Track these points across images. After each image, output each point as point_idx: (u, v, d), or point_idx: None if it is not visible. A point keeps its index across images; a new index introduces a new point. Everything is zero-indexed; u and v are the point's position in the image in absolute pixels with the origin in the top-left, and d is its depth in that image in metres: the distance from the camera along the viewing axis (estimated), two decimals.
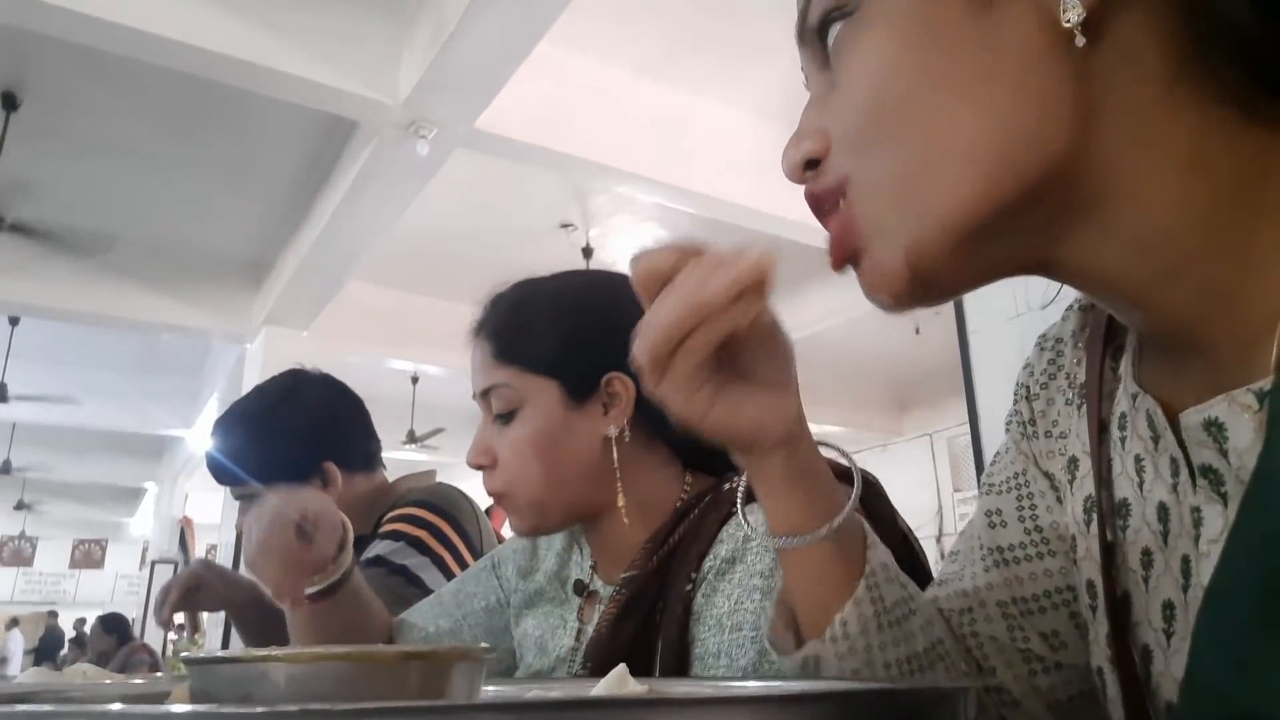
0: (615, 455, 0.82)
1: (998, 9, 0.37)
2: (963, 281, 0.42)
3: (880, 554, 0.52)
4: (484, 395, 0.86)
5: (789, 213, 4.26)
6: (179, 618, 1.29)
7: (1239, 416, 0.37)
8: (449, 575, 1.27)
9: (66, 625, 13.68)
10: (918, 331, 6.67)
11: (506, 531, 1.55)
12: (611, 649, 0.77)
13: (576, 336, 0.85)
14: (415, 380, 7.44)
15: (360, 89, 3.30)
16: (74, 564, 17.18)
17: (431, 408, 7.85)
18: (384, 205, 4.11)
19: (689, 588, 0.76)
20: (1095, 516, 0.48)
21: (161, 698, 0.52)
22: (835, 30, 0.43)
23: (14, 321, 6.33)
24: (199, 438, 7.98)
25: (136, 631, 8.02)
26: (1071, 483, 0.51)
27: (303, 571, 0.83)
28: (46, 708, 0.27)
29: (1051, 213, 0.38)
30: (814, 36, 0.44)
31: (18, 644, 13.40)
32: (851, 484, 0.53)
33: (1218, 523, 0.39)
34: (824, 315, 6.30)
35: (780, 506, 0.51)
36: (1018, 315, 1.79)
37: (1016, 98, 0.37)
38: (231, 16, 3.08)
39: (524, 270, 0.93)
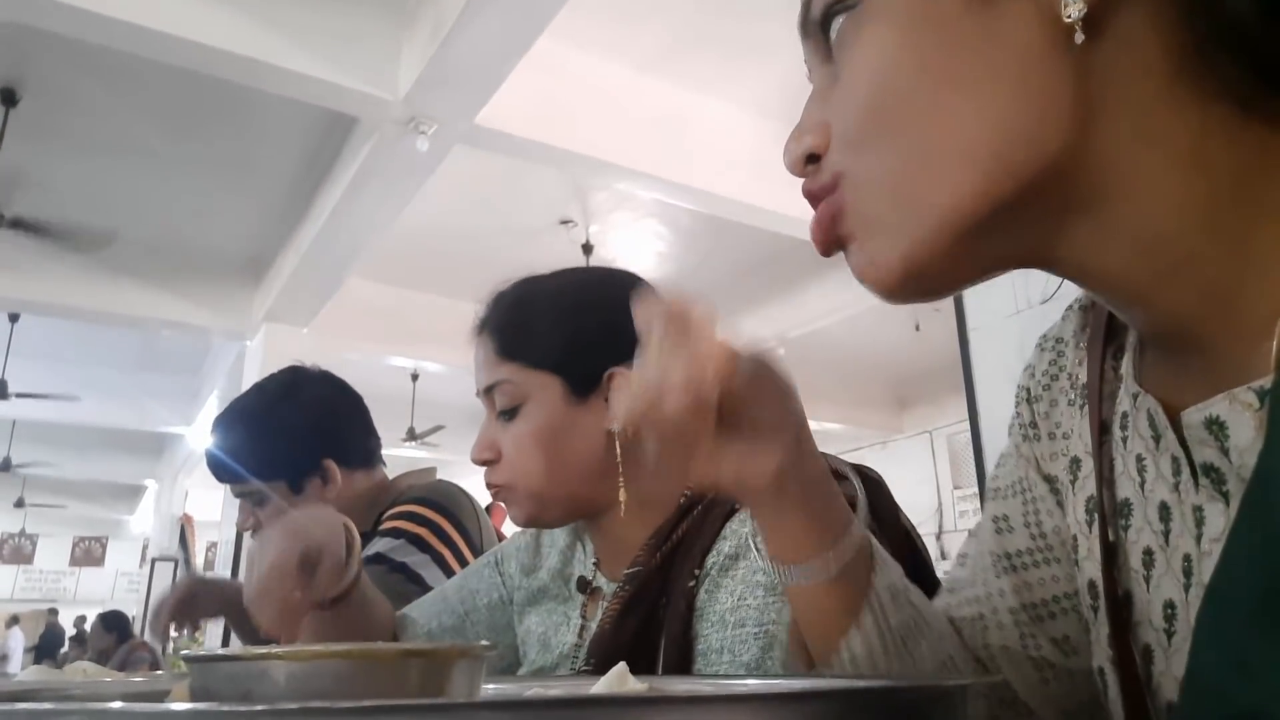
0: (618, 450, 0.82)
1: (998, 4, 0.37)
2: (961, 278, 0.42)
3: (887, 576, 0.51)
4: (487, 392, 0.87)
5: (789, 209, 4.26)
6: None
7: (1240, 415, 0.37)
8: (449, 572, 1.27)
9: (67, 623, 13.70)
10: (918, 328, 6.67)
11: (507, 529, 1.55)
12: (614, 645, 0.77)
13: (578, 332, 0.85)
14: (415, 377, 7.44)
15: (360, 85, 3.30)
16: (74, 561, 17.19)
17: (432, 405, 7.85)
18: (384, 202, 4.11)
19: (692, 584, 0.76)
20: (1097, 517, 0.48)
21: (162, 696, 0.52)
22: (838, 23, 0.42)
23: (14, 318, 6.33)
24: (199, 435, 7.98)
25: (137, 629, 8.02)
26: (1074, 483, 0.51)
27: (299, 614, 0.83)
28: (47, 706, 0.27)
29: (1051, 210, 0.38)
30: (817, 29, 0.44)
31: (18, 642, 13.42)
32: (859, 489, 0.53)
33: (1219, 521, 0.39)
34: (824, 312, 6.30)
35: (775, 538, 0.50)
36: (1018, 312, 1.79)
37: (1016, 94, 0.37)
38: (231, 12, 3.07)
39: (524, 267, 0.93)
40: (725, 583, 0.75)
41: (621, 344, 0.85)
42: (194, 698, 0.41)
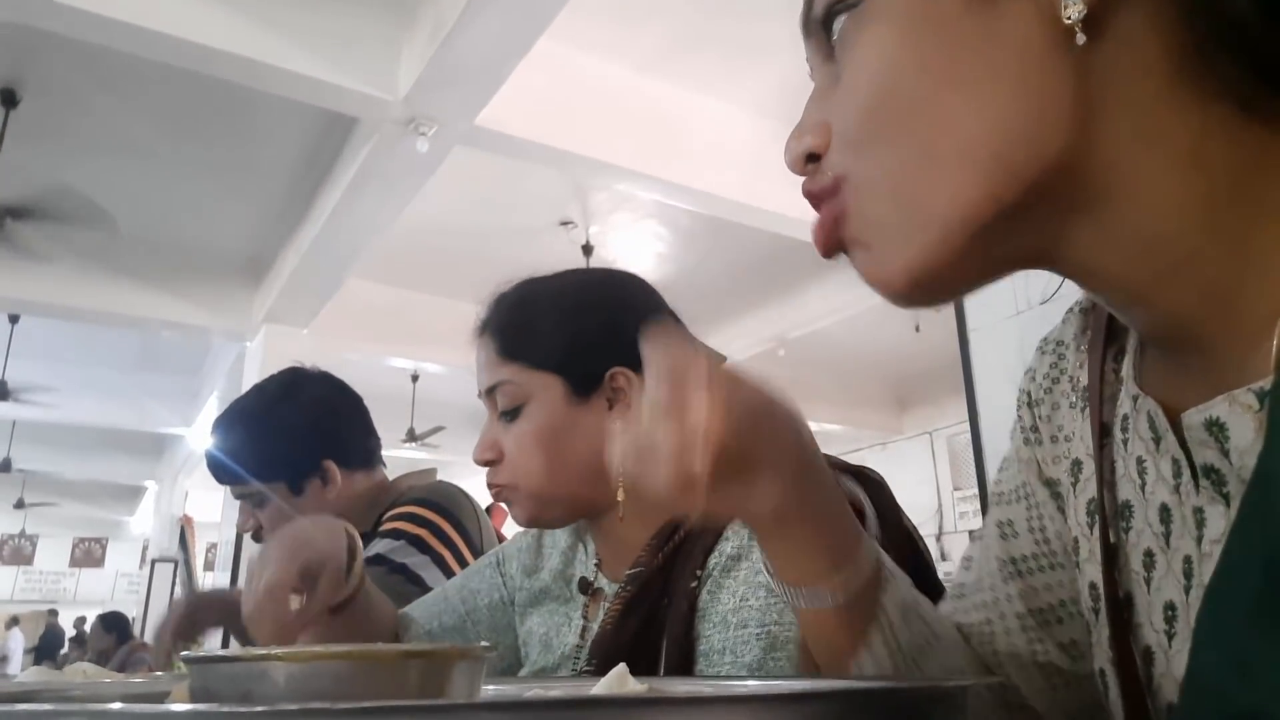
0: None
1: (998, 5, 0.37)
2: (969, 281, 0.42)
3: (897, 593, 0.51)
4: (489, 393, 0.87)
5: (788, 210, 4.26)
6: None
7: (1240, 416, 0.37)
8: (449, 573, 1.27)
9: (66, 624, 13.70)
10: (918, 329, 6.67)
11: (507, 530, 1.55)
12: (616, 646, 0.77)
13: (580, 332, 0.86)
14: (415, 378, 7.44)
15: (360, 86, 3.30)
16: (74, 562, 17.19)
17: (432, 405, 7.85)
18: (384, 202, 4.11)
19: (694, 584, 0.76)
20: (1098, 519, 0.48)
21: (162, 697, 0.52)
22: (840, 22, 0.42)
23: (14, 319, 6.33)
24: (199, 436, 7.98)
25: (136, 630, 8.02)
26: (1075, 485, 0.51)
27: (295, 631, 0.83)
28: (47, 707, 0.26)
29: (1055, 211, 0.38)
30: (819, 28, 0.44)
31: (18, 643, 13.42)
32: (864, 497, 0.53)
33: (1220, 523, 0.39)
34: (823, 313, 6.30)
35: (779, 563, 0.50)
36: (1018, 313, 1.79)
37: (1016, 95, 0.37)
38: (231, 13, 3.07)
39: (524, 267, 0.94)
40: (727, 583, 0.75)
41: (622, 344, 0.85)
42: (194, 699, 0.41)
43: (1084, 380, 0.51)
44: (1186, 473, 0.41)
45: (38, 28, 2.99)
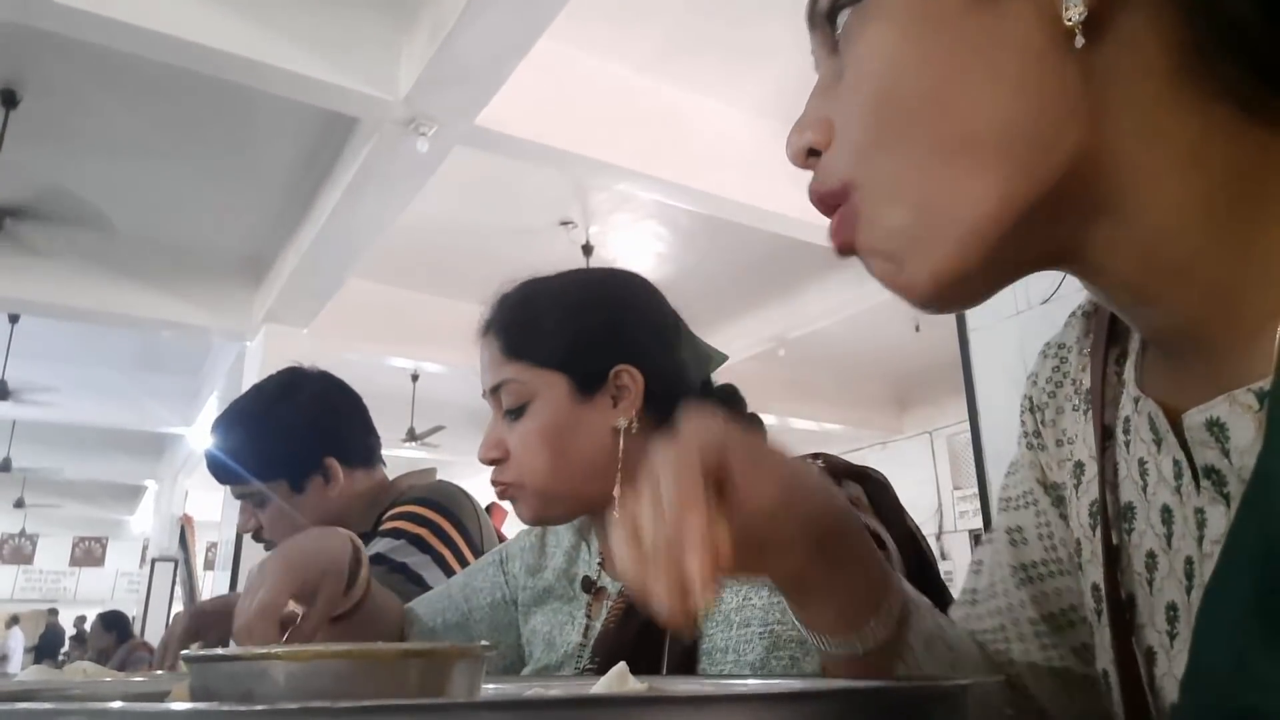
0: (621, 446, 0.83)
1: (1000, 4, 0.37)
2: (992, 284, 0.41)
3: (921, 625, 0.51)
4: (494, 391, 0.87)
5: (789, 210, 4.26)
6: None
7: (1240, 416, 0.37)
8: (450, 573, 1.27)
9: (67, 623, 13.70)
10: (917, 329, 6.66)
11: (507, 529, 1.55)
12: (619, 645, 0.77)
13: (584, 330, 0.86)
14: (415, 378, 7.44)
15: (360, 86, 3.29)
16: (74, 562, 17.19)
17: (432, 405, 7.85)
18: (384, 202, 4.11)
19: None
20: (1100, 520, 0.48)
21: (162, 696, 0.52)
22: (844, 16, 0.42)
23: (14, 319, 6.33)
24: (199, 435, 7.98)
25: (137, 629, 8.02)
26: (1077, 487, 0.51)
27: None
28: (47, 706, 0.27)
29: (1072, 212, 0.38)
30: (823, 21, 0.44)
31: (18, 642, 13.42)
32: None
33: (1221, 523, 0.39)
34: (823, 313, 6.30)
35: (800, 614, 0.49)
36: (1018, 313, 1.79)
37: (1018, 95, 0.37)
38: (231, 13, 3.07)
39: (524, 267, 0.94)
40: (730, 582, 0.75)
41: (626, 342, 0.86)
42: (194, 697, 0.41)
43: (1086, 383, 0.51)
44: (1187, 473, 0.41)
45: (38, 28, 2.99)
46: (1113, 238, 0.38)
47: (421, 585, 1.22)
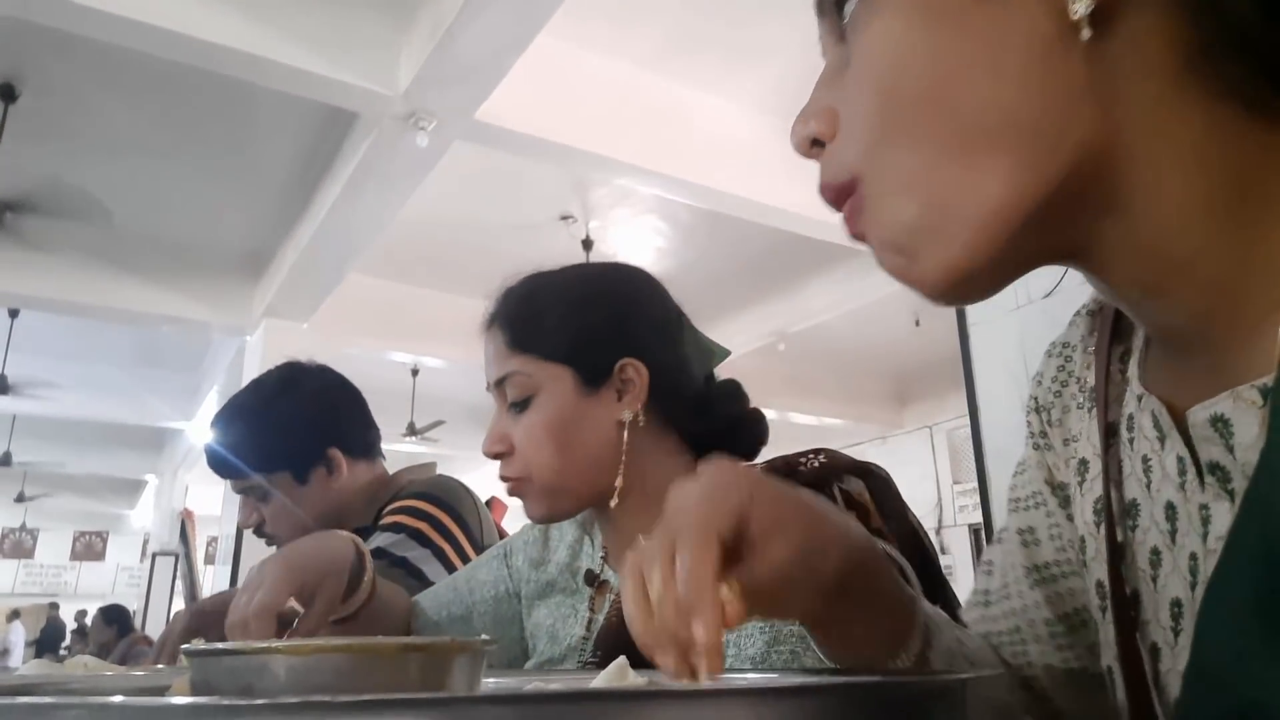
0: (625, 440, 0.83)
1: None
2: (1005, 277, 0.41)
3: (940, 643, 0.50)
4: (498, 385, 0.88)
5: (789, 205, 4.26)
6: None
7: (1244, 412, 0.37)
8: (450, 566, 1.28)
9: (68, 617, 13.72)
10: (917, 323, 6.66)
11: (507, 524, 1.55)
12: (621, 638, 0.77)
13: (589, 323, 0.86)
14: (415, 373, 7.44)
15: (360, 81, 3.29)
16: (75, 556, 17.20)
17: (432, 400, 7.85)
18: (384, 197, 4.11)
19: None
20: (1104, 517, 0.48)
21: (163, 690, 0.52)
22: (852, 4, 0.42)
23: (14, 314, 6.33)
24: (199, 430, 7.98)
25: (137, 623, 8.03)
26: (1081, 484, 0.51)
27: None
28: (48, 700, 0.27)
29: (1083, 207, 0.38)
30: (832, 8, 0.44)
31: (19, 636, 13.45)
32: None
33: (1225, 520, 0.39)
34: (823, 307, 6.30)
35: (830, 651, 0.49)
36: (1018, 307, 1.79)
37: (1024, 88, 0.37)
38: (231, 8, 3.06)
39: (525, 263, 0.94)
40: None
41: (630, 336, 0.86)
42: (194, 692, 0.41)
43: (1091, 381, 0.51)
44: (1191, 470, 0.41)
45: (37, 23, 2.98)
46: (1118, 234, 0.38)
47: (422, 579, 1.23)
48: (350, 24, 3.29)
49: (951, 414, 8.25)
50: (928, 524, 0.78)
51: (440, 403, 7.74)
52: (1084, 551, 0.51)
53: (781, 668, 0.69)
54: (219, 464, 1.41)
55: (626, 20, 3.68)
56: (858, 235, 0.43)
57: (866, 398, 8.87)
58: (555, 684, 0.55)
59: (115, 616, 7.13)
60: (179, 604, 7.78)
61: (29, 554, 16.84)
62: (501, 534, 1.45)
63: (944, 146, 0.38)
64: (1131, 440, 0.46)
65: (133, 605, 9.04)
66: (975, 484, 1.91)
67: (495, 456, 0.87)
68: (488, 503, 1.51)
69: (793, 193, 4.20)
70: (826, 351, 7.34)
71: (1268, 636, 0.26)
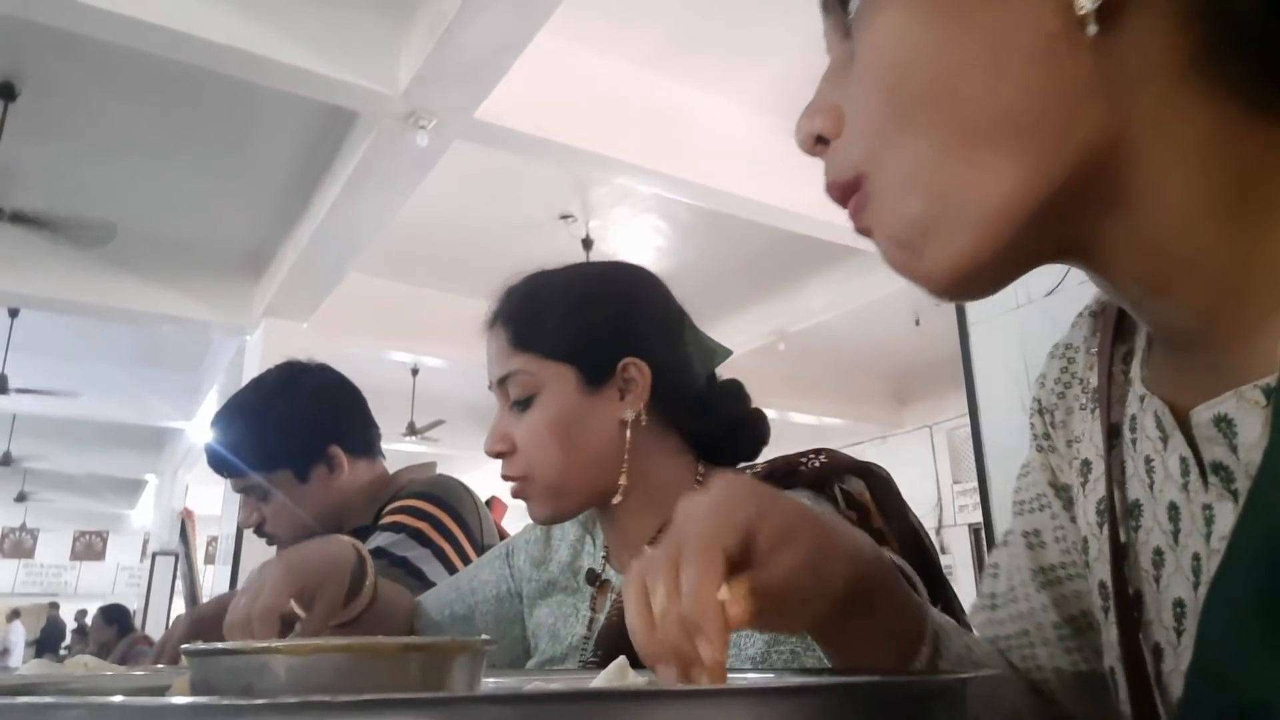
0: (628, 438, 0.83)
1: None
2: (1009, 274, 0.41)
3: (950, 651, 0.50)
4: (501, 383, 0.88)
5: (789, 204, 4.26)
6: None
7: (1248, 412, 0.37)
8: (449, 566, 1.28)
9: (68, 617, 13.72)
10: (917, 323, 6.67)
11: (507, 524, 1.55)
12: (622, 637, 0.77)
13: (592, 322, 0.86)
14: (415, 372, 7.44)
15: (359, 80, 3.29)
16: (75, 556, 17.21)
17: (431, 400, 7.85)
18: (383, 197, 4.11)
19: None
20: (1107, 517, 0.48)
21: (163, 690, 0.52)
22: (856, 1, 0.42)
23: (14, 313, 6.33)
24: (199, 430, 7.98)
25: (138, 623, 8.03)
26: (1084, 485, 0.51)
27: None
28: (48, 699, 0.27)
29: (1089, 205, 0.38)
30: (836, 5, 0.44)
31: (19, 635, 13.45)
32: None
33: (1229, 519, 0.39)
34: (823, 307, 6.30)
35: (838, 662, 0.49)
36: (1018, 306, 1.79)
37: (1030, 83, 0.37)
38: (231, 7, 3.07)
39: (524, 262, 0.94)
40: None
41: (633, 335, 0.86)
42: (194, 691, 0.41)
43: (1093, 382, 0.51)
44: (1194, 470, 0.41)
45: (37, 22, 2.98)
46: (1120, 232, 0.38)
47: (422, 579, 1.23)
48: (350, 23, 3.29)
49: (951, 413, 8.25)
50: (928, 524, 0.78)
51: (440, 402, 7.75)
52: (1086, 552, 0.51)
53: (781, 668, 0.69)
54: (219, 463, 1.41)
55: (626, 19, 3.68)
56: (863, 230, 0.42)
57: (866, 397, 8.88)
58: (555, 684, 0.55)
59: (115, 616, 7.13)
60: (179, 604, 7.79)
61: (29, 554, 16.84)
62: (501, 534, 1.45)
63: (949, 142, 0.38)
64: (1134, 441, 0.46)
65: (133, 605, 9.04)
66: (975, 483, 1.91)
67: (497, 455, 0.87)
68: (487, 502, 1.51)
69: (792, 192, 4.20)
70: (826, 351, 7.34)
71: (1270, 636, 0.26)
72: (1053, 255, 0.41)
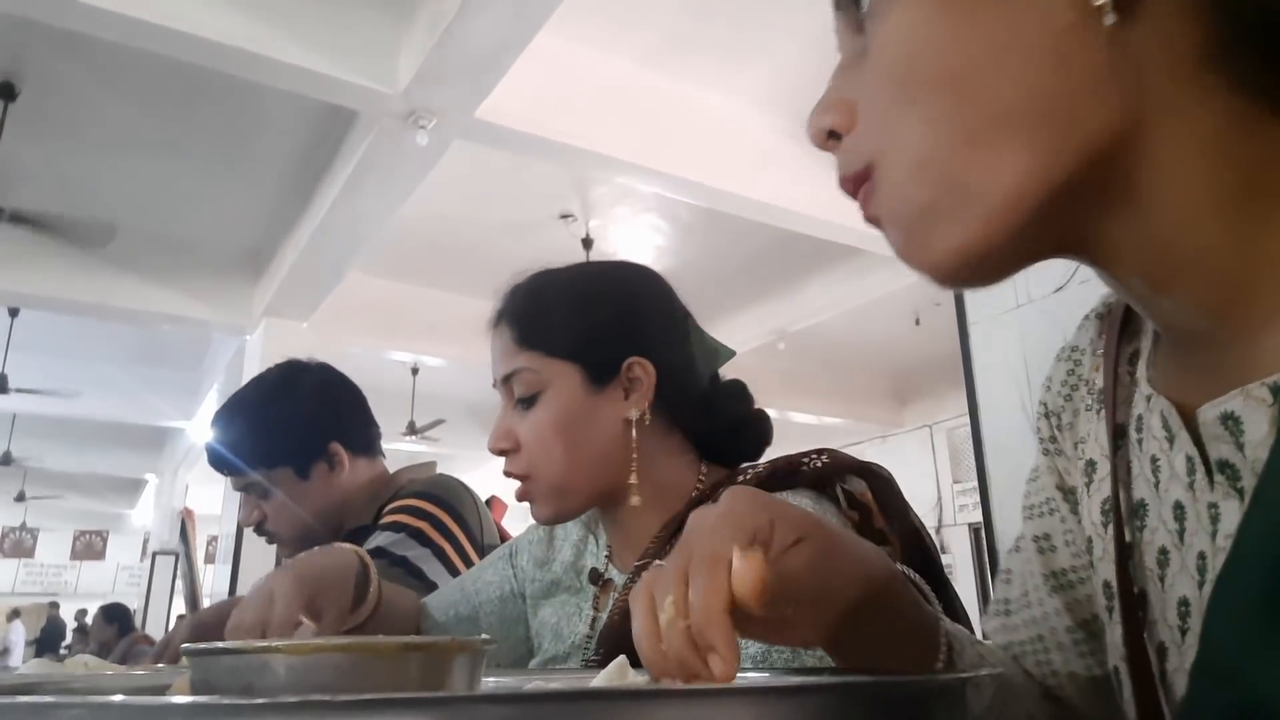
0: (634, 437, 0.83)
1: None
2: (1013, 264, 0.41)
3: (962, 660, 0.50)
4: (505, 381, 0.88)
5: (789, 203, 4.26)
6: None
7: (1255, 410, 0.37)
8: (450, 566, 1.28)
9: (68, 616, 13.73)
10: (917, 322, 6.66)
11: (507, 523, 1.55)
12: (624, 636, 0.77)
13: (597, 321, 0.86)
14: (415, 371, 7.44)
15: (359, 79, 3.29)
16: (75, 555, 17.21)
17: (432, 399, 7.85)
18: (384, 196, 4.11)
19: None
20: (1112, 517, 0.48)
21: (163, 689, 0.52)
22: None
23: (14, 313, 6.33)
24: (199, 429, 7.98)
25: (138, 622, 8.03)
26: (1089, 485, 0.51)
27: None
28: (48, 699, 0.27)
29: (1098, 196, 0.38)
30: (849, 0, 0.44)
31: (19, 635, 13.45)
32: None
33: (1235, 518, 0.39)
34: (823, 306, 6.30)
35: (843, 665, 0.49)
36: (1018, 306, 1.79)
37: (1045, 71, 0.36)
38: (230, 6, 3.06)
39: (525, 261, 0.94)
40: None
41: (639, 334, 0.86)
42: (195, 691, 0.41)
43: (1099, 383, 0.51)
44: (1200, 469, 0.41)
45: (37, 21, 2.98)
46: (1128, 226, 0.38)
47: (422, 579, 1.23)
48: (350, 22, 3.29)
49: (951, 413, 8.25)
50: (928, 523, 0.78)
51: (440, 401, 7.75)
52: (1091, 552, 0.51)
53: (782, 667, 0.69)
54: (220, 462, 1.41)
55: (626, 19, 3.68)
56: (872, 219, 0.42)
57: (866, 397, 8.88)
58: (555, 683, 0.55)
59: (116, 615, 7.13)
60: (179, 603, 7.78)
61: (29, 553, 16.85)
62: (502, 533, 1.45)
63: (960, 130, 0.38)
64: (1140, 441, 0.46)
65: (133, 604, 9.04)
66: (975, 483, 1.91)
67: (501, 453, 0.87)
68: (488, 502, 1.51)
69: (792, 191, 4.20)
70: (826, 350, 7.34)
71: (1274, 634, 0.26)
72: (1058, 249, 0.41)
